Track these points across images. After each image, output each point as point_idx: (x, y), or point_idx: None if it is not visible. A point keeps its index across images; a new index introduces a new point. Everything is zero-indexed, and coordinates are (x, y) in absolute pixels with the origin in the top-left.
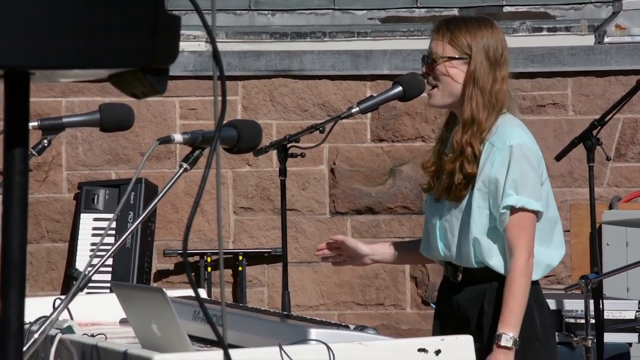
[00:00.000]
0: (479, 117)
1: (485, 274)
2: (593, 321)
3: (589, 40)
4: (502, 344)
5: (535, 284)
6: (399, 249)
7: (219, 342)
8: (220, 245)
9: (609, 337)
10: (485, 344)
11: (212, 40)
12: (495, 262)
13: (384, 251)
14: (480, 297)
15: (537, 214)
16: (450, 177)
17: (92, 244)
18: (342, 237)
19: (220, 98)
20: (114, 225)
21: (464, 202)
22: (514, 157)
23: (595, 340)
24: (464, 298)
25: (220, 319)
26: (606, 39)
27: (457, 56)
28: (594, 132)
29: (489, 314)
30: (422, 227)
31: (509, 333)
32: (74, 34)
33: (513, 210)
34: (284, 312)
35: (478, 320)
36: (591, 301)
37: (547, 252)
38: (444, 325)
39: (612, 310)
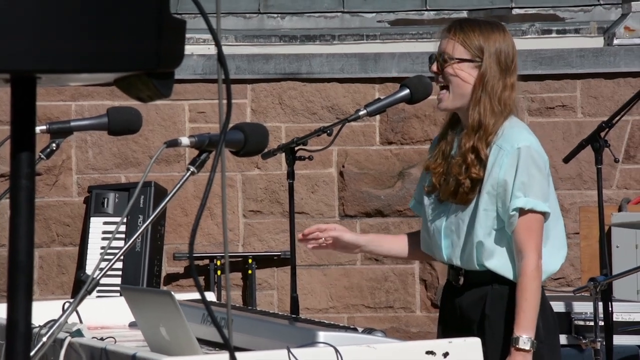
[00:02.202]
0: (486, 122)
1: (486, 276)
2: (602, 323)
3: (598, 42)
4: (520, 346)
5: None
6: (396, 243)
7: (225, 345)
8: (226, 248)
9: (618, 340)
10: (487, 348)
11: (216, 43)
12: (496, 264)
13: (376, 244)
14: (482, 300)
15: (544, 215)
16: (457, 180)
17: (102, 248)
18: (337, 233)
19: (225, 101)
20: (123, 229)
21: (471, 205)
22: (522, 160)
23: (604, 343)
24: (466, 301)
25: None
26: (615, 41)
27: (468, 58)
28: (602, 134)
29: (490, 318)
30: None
31: (525, 335)
32: (79, 39)
33: (522, 212)
34: (292, 315)
35: (480, 324)
36: (600, 303)
37: (545, 252)
38: (447, 328)
39: (622, 312)
